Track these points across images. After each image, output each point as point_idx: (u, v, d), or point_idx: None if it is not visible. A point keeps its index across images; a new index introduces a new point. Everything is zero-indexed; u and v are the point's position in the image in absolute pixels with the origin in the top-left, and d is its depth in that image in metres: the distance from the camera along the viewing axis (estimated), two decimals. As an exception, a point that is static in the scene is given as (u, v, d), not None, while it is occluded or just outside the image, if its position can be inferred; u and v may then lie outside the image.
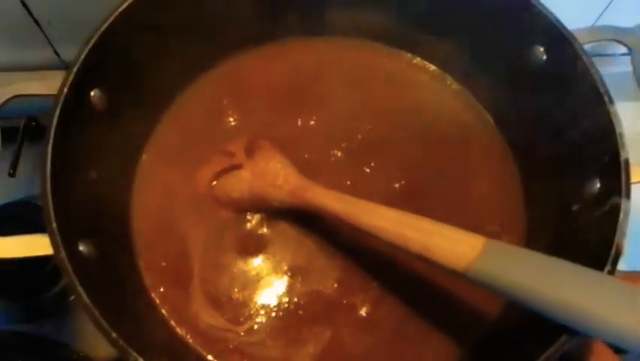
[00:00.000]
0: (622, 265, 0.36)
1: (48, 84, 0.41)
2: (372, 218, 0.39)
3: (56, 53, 0.62)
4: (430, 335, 0.42)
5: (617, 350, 0.37)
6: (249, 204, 0.46)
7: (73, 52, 0.60)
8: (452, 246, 0.35)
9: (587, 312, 0.31)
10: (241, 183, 0.46)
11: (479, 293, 0.37)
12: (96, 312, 0.32)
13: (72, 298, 0.54)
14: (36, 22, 0.57)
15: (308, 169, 0.46)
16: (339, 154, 0.49)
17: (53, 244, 0.34)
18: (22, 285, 0.53)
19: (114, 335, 0.32)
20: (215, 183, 0.47)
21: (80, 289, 0.32)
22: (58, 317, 0.53)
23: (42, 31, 0.58)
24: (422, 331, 0.42)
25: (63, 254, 0.33)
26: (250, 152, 0.48)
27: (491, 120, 0.51)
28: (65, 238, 0.34)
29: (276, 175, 0.45)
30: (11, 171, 0.55)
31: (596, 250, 0.36)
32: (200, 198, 0.47)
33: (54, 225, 0.34)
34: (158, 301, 0.43)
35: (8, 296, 0.53)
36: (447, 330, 0.42)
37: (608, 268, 0.35)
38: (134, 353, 0.31)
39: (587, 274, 0.33)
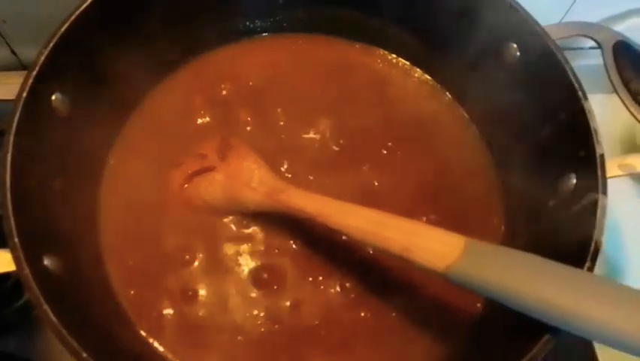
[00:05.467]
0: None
1: (6, 87, 0.39)
2: (350, 219, 0.38)
3: (14, 53, 0.59)
4: (414, 336, 0.42)
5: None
6: (223, 207, 0.45)
7: (32, 51, 0.57)
8: (433, 246, 0.35)
9: (568, 310, 0.31)
10: (214, 186, 0.45)
11: (462, 293, 0.37)
12: (64, 331, 0.30)
13: (36, 312, 0.51)
14: (-9, 21, 0.54)
15: (282, 167, 0.45)
16: (314, 151, 0.48)
17: (16, 260, 0.32)
18: (-17, 299, 0.50)
19: (84, 354, 0.30)
20: (186, 186, 0.46)
21: (47, 308, 0.31)
22: (22, 331, 0.50)
23: (-3, 29, 0.55)
24: (406, 332, 0.42)
25: (27, 271, 0.31)
26: (223, 153, 0.46)
27: (467, 117, 0.51)
28: (29, 254, 0.32)
29: (250, 177, 0.44)
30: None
31: (575, 247, 0.36)
32: (172, 203, 0.45)
33: (16, 239, 0.32)
34: (126, 307, 0.41)
35: (-31, 311, 0.50)
36: (431, 330, 0.42)
37: (587, 264, 0.35)
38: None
39: (566, 272, 0.33)
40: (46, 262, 0.34)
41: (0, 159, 0.34)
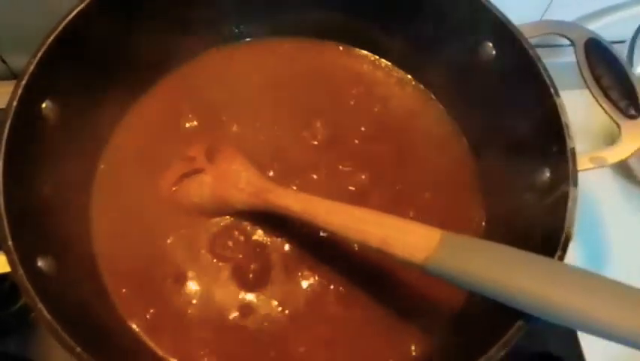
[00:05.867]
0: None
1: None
2: (333, 216, 0.39)
3: (4, 62, 0.60)
4: (399, 328, 0.43)
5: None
6: (211, 207, 0.46)
7: (22, 60, 0.59)
8: (410, 239, 0.36)
9: (543, 298, 0.33)
10: (203, 188, 0.46)
11: (441, 285, 0.38)
12: (58, 328, 0.32)
13: (33, 314, 0.53)
14: (-19, 31, 0.55)
15: (268, 168, 0.47)
16: (302, 152, 0.49)
17: (10, 262, 0.33)
18: (-19, 303, 0.51)
19: (78, 349, 0.31)
20: (175, 188, 0.47)
21: (41, 306, 0.32)
22: (20, 333, 0.51)
23: (-13, 38, 0.57)
24: (387, 323, 0.43)
25: (21, 272, 0.33)
26: (211, 156, 0.48)
27: (445, 113, 0.52)
28: (23, 255, 0.34)
29: (237, 178, 0.45)
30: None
31: (547, 237, 0.38)
32: (162, 204, 0.47)
33: (10, 242, 0.33)
34: (119, 305, 0.43)
35: (-33, 314, 0.52)
36: (415, 322, 0.43)
37: (558, 253, 0.37)
38: (100, 367, 0.31)
39: (539, 261, 0.35)
40: (40, 263, 0.36)
41: (-7, 166, 0.35)
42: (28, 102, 0.39)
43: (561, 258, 0.36)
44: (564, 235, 0.37)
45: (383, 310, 0.44)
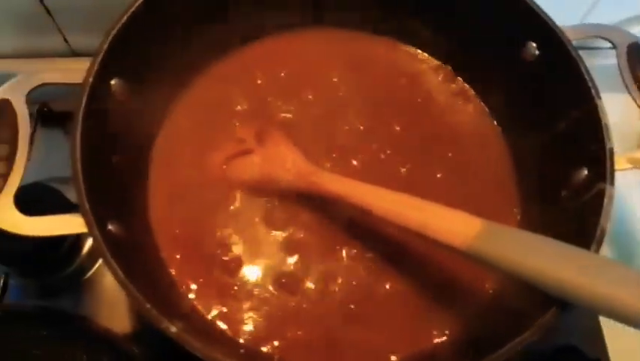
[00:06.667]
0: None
1: (61, 72, 0.43)
2: (375, 200, 0.42)
3: (66, 41, 0.63)
4: (429, 309, 0.46)
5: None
6: (259, 186, 0.49)
7: (82, 39, 0.63)
8: (450, 225, 0.39)
9: (577, 286, 0.35)
10: (252, 167, 0.49)
11: (476, 268, 0.41)
12: (130, 285, 0.35)
13: (86, 277, 0.56)
14: (47, 10, 0.59)
15: (315, 153, 0.49)
16: (347, 138, 0.52)
17: (87, 223, 0.36)
18: (39, 264, 0.55)
19: (148, 305, 0.34)
20: (225, 167, 0.50)
21: (115, 265, 0.35)
22: (72, 294, 0.55)
23: (52, 19, 0.60)
24: (421, 303, 0.46)
25: (97, 232, 0.36)
26: (260, 138, 0.50)
27: (486, 110, 0.54)
28: (97, 218, 0.37)
29: (284, 160, 0.48)
30: (25, 156, 0.56)
31: (583, 232, 0.40)
32: (211, 180, 0.49)
33: (87, 205, 0.37)
34: (174, 272, 0.45)
35: (25, 275, 0.55)
36: (445, 303, 0.45)
37: (594, 247, 0.39)
38: (166, 321, 0.34)
39: (575, 252, 0.37)
40: (110, 226, 0.39)
41: (72, 136, 0.39)
42: (100, 79, 0.42)
43: (596, 252, 0.38)
44: (599, 230, 0.39)
45: (416, 289, 0.46)
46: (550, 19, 0.46)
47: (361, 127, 0.52)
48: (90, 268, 0.56)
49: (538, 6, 0.46)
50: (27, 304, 0.53)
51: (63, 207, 0.51)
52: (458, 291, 0.46)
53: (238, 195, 0.49)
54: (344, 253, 0.47)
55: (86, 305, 0.55)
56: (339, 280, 0.46)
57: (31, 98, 0.42)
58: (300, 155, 0.48)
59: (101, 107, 0.42)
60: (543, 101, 0.48)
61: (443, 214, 0.40)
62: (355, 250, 0.47)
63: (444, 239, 0.38)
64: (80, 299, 0.55)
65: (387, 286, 0.46)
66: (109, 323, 0.53)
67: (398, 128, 0.52)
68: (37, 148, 0.59)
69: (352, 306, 0.45)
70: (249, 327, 0.44)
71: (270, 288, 0.46)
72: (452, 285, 0.46)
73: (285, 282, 0.46)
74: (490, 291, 0.46)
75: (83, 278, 0.56)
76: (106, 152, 0.43)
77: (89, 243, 0.57)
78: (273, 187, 0.48)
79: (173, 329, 0.34)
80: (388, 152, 0.51)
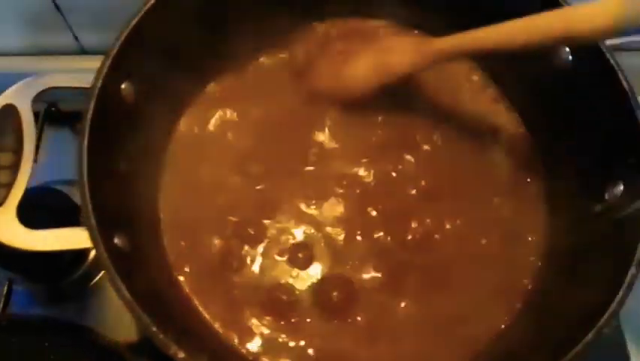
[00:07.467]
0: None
1: (69, 75, 0.42)
2: (502, 34, 0.40)
3: (76, 39, 0.62)
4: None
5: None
6: (368, 81, 0.47)
7: (93, 38, 0.61)
8: (588, 11, 0.36)
9: None
10: (360, 62, 0.48)
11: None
12: (136, 306, 0.33)
13: (92, 283, 0.55)
14: (57, 8, 0.57)
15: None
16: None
17: (93, 239, 0.34)
18: (45, 270, 0.53)
19: (154, 328, 0.32)
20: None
21: (120, 284, 0.33)
22: (78, 300, 0.54)
23: (63, 17, 0.58)
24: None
25: (102, 248, 0.34)
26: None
27: (518, 118, 0.51)
28: (103, 233, 0.35)
29: (400, 44, 0.47)
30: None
31: (621, 252, 0.37)
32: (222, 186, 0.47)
33: (93, 220, 0.35)
34: (182, 281, 0.44)
35: (30, 280, 0.54)
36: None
37: (632, 270, 0.36)
38: (174, 346, 0.32)
39: None
40: (117, 240, 0.37)
41: (78, 145, 0.37)
42: (109, 83, 0.40)
43: (634, 276, 0.36)
44: (638, 251, 0.36)
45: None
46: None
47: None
48: (97, 274, 0.55)
49: (568, 5, 0.43)
50: (32, 314, 0.51)
51: (69, 212, 0.50)
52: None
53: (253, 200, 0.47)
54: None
55: (92, 312, 0.53)
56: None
57: (38, 98, 0.40)
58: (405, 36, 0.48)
59: (110, 112, 0.40)
60: (577, 109, 0.45)
61: (572, 9, 0.38)
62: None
63: (591, 29, 0.36)
64: (86, 306, 0.54)
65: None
66: (115, 331, 0.52)
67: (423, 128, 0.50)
68: (44, 149, 0.57)
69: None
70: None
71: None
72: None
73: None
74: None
75: (89, 284, 0.55)
76: (114, 159, 0.41)
77: (96, 249, 0.55)
78: (386, 78, 0.46)
79: (182, 355, 0.32)
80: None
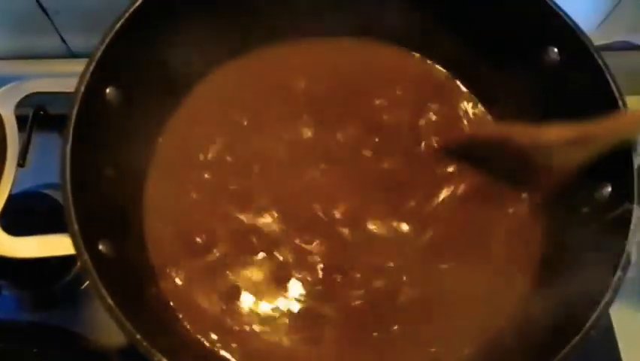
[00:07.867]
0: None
1: (54, 79, 0.41)
2: (543, 136, 0.42)
3: (64, 41, 0.61)
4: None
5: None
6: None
7: (81, 40, 0.61)
8: (620, 125, 0.40)
9: None
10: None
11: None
12: (120, 314, 0.33)
13: (83, 287, 0.55)
14: (44, 10, 0.56)
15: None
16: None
17: (75, 245, 0.34)
18: (33, 275, 0.53)
19: (138, 336, 0.32)
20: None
21: (104, 292, 0.33)
22: (68, 305, 0.54)
23: (50, 19, 0.58)
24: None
25: (86, 256, 0.34)
26: None
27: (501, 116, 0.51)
28: (86, 239, 0.35)
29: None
30: (20, 161, 0.54)
31: (608, 255, 0.37)
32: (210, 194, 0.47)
33: (76, 226, 0.34)
34: (166, 293, 0.43)
35: (19, 285, 0.54)
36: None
37: (619, 273, 0.36)
38: (158, 354, 0.32)
39: None
40: (101, 247, 0.37)
41: (62, 150, 0.36)
42: (93, 88, 0.39)
43: (621, 278, 0.36)
44: (625, 255, 0.36)
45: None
46: (573, 21, 0.43)
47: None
48: (86, 279, 0.54)
49: (559, 7, 0.43)
50: (20, 319, 0.51)
51: (58, 216, 0.50)
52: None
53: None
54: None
55: (82, 317, 0.53)
56: None
57: (25, 102, 0.40)
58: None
59: (95, 117, 0.40)
60: (565, 111, 0.45)
61: (605, 121, 0.40)
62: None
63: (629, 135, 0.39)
64: (77, 310, 0.54)
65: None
66: (107, 335, 0.52)
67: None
68: (32, 153, 0.57)
69: None
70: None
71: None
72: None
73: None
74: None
75: (79, 288, 0.54)
76: (99, 165, 0.41)
77: (85, 253, 0.55)
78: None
79: (166, 364, 0.32)
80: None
